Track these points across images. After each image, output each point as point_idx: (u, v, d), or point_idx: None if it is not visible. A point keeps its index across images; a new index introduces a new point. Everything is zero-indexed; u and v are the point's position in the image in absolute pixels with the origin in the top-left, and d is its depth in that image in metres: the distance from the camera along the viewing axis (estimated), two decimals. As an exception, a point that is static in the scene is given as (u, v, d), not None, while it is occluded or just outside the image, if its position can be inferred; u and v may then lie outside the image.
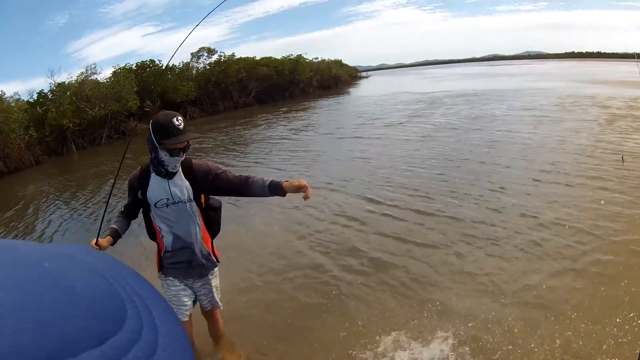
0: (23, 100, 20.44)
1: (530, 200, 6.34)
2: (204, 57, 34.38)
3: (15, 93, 20.42)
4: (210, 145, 16.23)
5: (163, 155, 2.51)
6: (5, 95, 18.78)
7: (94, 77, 23.82)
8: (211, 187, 2.72)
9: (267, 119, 22.96)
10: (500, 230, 5.40)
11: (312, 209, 6.83)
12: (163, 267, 2.86)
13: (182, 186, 2.65)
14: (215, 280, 3.00)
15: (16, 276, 0.29)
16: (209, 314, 3.15)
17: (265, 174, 9.52)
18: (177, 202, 2.65)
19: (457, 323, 3.57)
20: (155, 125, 2.48)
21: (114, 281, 0.35)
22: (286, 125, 19.44)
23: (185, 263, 2.81)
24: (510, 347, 3.22)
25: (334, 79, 50.06)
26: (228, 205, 7.76)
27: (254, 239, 6.17)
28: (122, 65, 27.10)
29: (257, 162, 12.16)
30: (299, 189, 2.54)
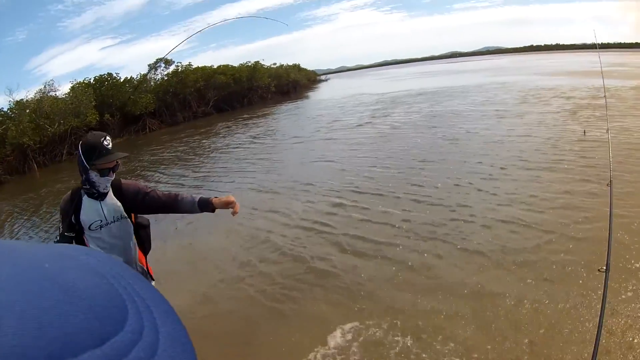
0: (-20, 119, 20.26)
1: (491, 196, 6.85)
2: (162, 69, 34.27)
3: (-28, 112, 20.20)
4: (169, 156, 16.75)
5: (94, 175, 2.54)
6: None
7: (52, 93, 23.83)
8: (141, 205, 2.77)
9: (226, 127, 23.58)
10: (463, 225, 5.89)
11: (272, 213, 7.34)
12: None
13: (113, 205, 2.70)
14: None
15: (17, 277, 0.30)
16: None
17: (223, 181, 10.46)
18: (110, 223, 2.69)
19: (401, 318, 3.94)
20: (84, 146, 2.50)
21: (114, 282, 0.36)
22: (245, 133, 19.97)
23: None
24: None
25: (293, 83, 50.62)
26: (184, 217, 7.80)
27: (211, 249, 6.26)
28: (80, 80, 26.99)
29: (215, 171, 12.61)
30: (227, 204, 2.70)
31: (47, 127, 21.28)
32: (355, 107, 23.26)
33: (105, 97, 27.00)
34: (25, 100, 22.40)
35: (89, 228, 2.63)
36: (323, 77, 78.25)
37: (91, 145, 2.48)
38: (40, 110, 21.76)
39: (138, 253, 2.91)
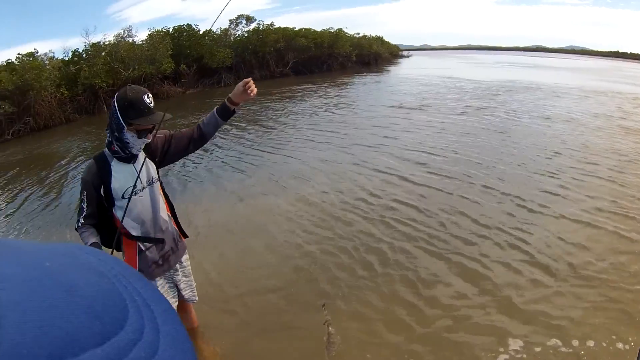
0: (57, 58, 20.00)
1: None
2: (242, 25, 33.44)
3: (50, 51, 19.99)
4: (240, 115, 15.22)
5: (129, 136, 2.21)
6: (39, 53, 18.35)
7: (129, 39, 23.43)
8: (172, 151, 2.54)
9: (303, 91, 21.91)
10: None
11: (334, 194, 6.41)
12: (142, 272, 2.44)
13: (147, 166, 2.39)
14: (189, 265, 2.85)
15: (17, 276, 0.29)
16: (185, 306, 2.98)
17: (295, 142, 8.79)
18: (145, 187, 2.41)
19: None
20: (122, 102, 2.15)
21: (115, 281, 0.35)
22: (324, 100, 18.26)
23: (161, 257, 2.56)
24: None
25: (374, 55, 48.00)
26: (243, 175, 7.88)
27: (266, 221, 5.68)
28: (158, 28, 26.55)
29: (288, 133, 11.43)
30: (245, 86, 2.38)
31: (121, 71, 20.82)
32: (445, 90, 19.55)
33: (183, 48, 26.45)
34: (101, 43, 22.03)
35: (122, 197, 2.30)
36: (405, 53, 74.86)
37: (130, 102, 2.13)
38: (116, 54, 21.35)
39: (170, 214, 2.64)
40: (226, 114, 2.47)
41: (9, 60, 17.34)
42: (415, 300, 3.81)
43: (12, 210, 7.36)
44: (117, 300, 0.33)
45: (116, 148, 2.27)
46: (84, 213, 2.30)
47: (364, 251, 4.70)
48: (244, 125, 13.20)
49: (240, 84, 2.38)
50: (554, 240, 4.79)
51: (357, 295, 3.91)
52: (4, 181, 9.46)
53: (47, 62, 18.30)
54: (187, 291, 2.83)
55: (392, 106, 14.99)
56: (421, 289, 3.96)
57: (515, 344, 3.20)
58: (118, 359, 0.28)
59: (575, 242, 4.77)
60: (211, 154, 9.78)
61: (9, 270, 0.29)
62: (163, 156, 2.53)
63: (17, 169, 10.49)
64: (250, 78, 2.41)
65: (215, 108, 2.48)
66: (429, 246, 4.76)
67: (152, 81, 22.00)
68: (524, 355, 3.09)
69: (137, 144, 2.27)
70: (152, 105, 2.19)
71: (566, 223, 5.27)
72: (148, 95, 2.20)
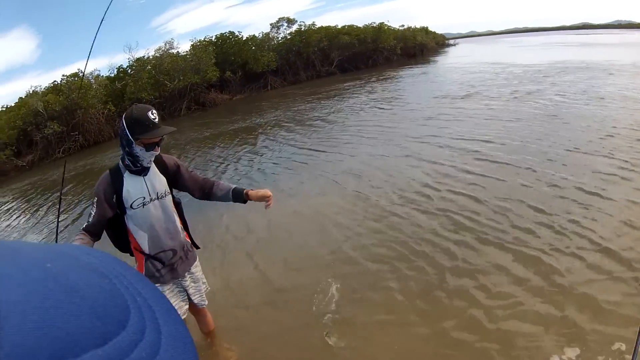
0: (103, 76, 20.28)
1: None
2: (284, 27, 33.17)
3: (95, 69, 20.39)
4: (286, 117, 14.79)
5: (138, 150, 2.38)
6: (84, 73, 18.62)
7: (172, 51, 23.53)
8: (183, 181, 2.71)
9: (350, 87, 20.97)
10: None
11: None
12: (149, 277, 2.52)
13: (158, 180, 2.57)
14: (200, 272, 2.93)
15: (19, 276, 0.29)
16: (199, 309, 3.05)
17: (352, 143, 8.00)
18: (154, 199, 2.54)
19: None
20: (129, 120, 2.34)
21: (117, 281, 0.35)
22: (368, 95, 17.27)
23: (169, 266, 2.65)
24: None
25: (420, 46, 46.16)
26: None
27: (289, 226, 5.51)
28: (200, 38, 27.13)
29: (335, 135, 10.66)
30: (263, 198, 2.63)
31: (167, 83, 20.72)
32: (495, 78, 17.03)
33: (227, 55, 26.32)
34: (145, 57, 22.19)
35: (131, 207, 2.48)
36: (452, 42, 72.80)
37: (136, 119, 2.33)
38: (160, 67, 21.35)
39: (181, 228, 2.76)
40: (238, 200, 2.70)
41: (55, 82, 17.63)
42: (482, 297, 3.48)
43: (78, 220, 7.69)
44: (119, 301, 0.33)
45: (128, 162, 2.44)
46: (90, 220, 2.42)
47: (428, 249, 4.37)
48: (292, 125, 13.02)
49: (263, 194, 2.62)
50: (622, 228, 4.20)
51: (424, 289, 3.69)
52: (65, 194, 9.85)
53: (93, 81, 18.51)
54: (196, 296, 2.91)
55: (440, 96, 13.82)
56: (489, 286, 3.62)
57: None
58: (119, 359, 0.28)
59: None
60: (262, 156, 9.68)
61: (10, 271, 0.29)
62: (175, 179, 2.68)
63: (73, 183, 11.28)
64: (270, 195, 2.63)
65: (234, 187, 2.72)
66: (495, 239, 4.34)
67: (198, 90, 21.84)
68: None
69: (147, 157, 2.43)
70: (156, 120, 2.34)
71: (634, 208, 4.57)
72: (152, 111, 2.35)
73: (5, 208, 11.11)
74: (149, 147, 2.38)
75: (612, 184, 5.19)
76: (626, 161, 5.81)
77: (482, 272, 3.79)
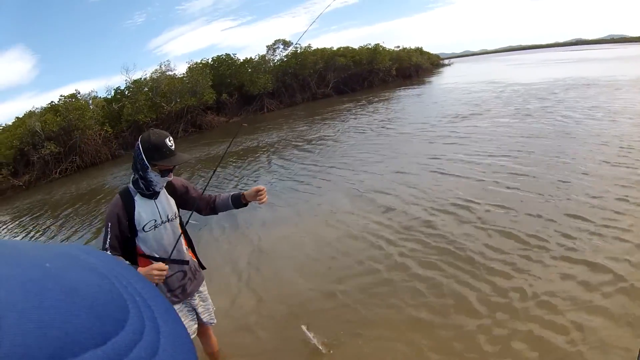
0: (100, 97, 20.49)
1: None
2: (280, 50, 33.51)
3: (92, 90, 20.56)
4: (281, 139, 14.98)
5: (153, 175, 2.44)
6: (82, 94, 18.87)
7: (168, 72, 23.78)
8: (190, 202, 2.75)
9: (348, 109, 21.11)
10: None
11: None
12: None
13: (168, 203, 2.62)
14: (206, 292, 2.98)
15: (18, 276, 0.29)
16: (204, 330, 3.06)
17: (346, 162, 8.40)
18: (165, 222, 2.58)
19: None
20: (147, 145, 2.37)
21: (116, 281, 0.35)
22: (368, 117, 17.39)
23: (180, 287, 2.70)
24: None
25: (415, 67, 46.97)
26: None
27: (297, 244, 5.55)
28: (196, 60, 27.10)
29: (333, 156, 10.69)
30: (257, 193, 2.62)
31: (163, 105, 20.92)
32: (493, 95, 17.72)
33: (223, 77, 26.57)
34: (142, 79, 22.45)
35: (143, 229, 2.51)
36: (446, 62, 73.66)
37: (154, 145, 2.37)
38: (157, 89, 21.58)
39: (188, 248, 2.84)
40: (238, 205, 2.76)
41: (52, 103, 17.87)
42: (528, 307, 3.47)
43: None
44: (118, 301, 0.33)
45: (141, 185, 2.48)
46: (108, 242, 2.42)
47: (462, 261, 4.37)
48: (300, 143, 13.21)
49: (256, 189, 2.62)
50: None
51: (463, 301, 3.70)
52: (70, 212, 10.61)
53: (90, 102, 18.71)
54: (205, 315, 2.95)
55: (449, 115, 13.89)
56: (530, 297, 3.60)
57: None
58: (118, 359, 0.28)
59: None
60: (281, 175, 9.55)
61: (9, 271, 0.29)
62: (182, 200, 2.73)
63: (80, 203, 11.71)
64: (264, 187, 2.64)
65: (231, 195, 2.76)
66: (533, 254, 4.28)
67: (194, 112, 22.00)
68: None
69: (160, 182, 2.49)
70: (173, 147, 2.40)
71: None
72: (169, 138, 2.41)
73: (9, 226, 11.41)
74: (164, 172, 2.45)
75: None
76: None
77: (531, 288, 3.75)
